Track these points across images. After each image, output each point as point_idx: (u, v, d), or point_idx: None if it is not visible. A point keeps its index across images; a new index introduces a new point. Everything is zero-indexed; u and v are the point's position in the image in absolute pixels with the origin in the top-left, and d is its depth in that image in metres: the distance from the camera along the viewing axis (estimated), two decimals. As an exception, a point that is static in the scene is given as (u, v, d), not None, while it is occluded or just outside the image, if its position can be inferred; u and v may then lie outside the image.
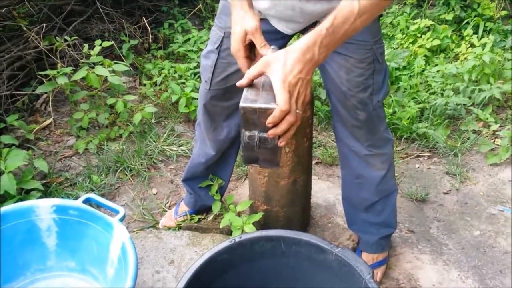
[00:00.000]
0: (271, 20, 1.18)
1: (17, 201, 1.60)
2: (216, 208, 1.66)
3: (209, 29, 3.24)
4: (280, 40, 1.23)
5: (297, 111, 0.81)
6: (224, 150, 1.53)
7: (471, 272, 1.54)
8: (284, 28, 1.19)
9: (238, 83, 0.83)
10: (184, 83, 2.54)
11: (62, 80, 2.11)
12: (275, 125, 0.80)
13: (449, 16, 3.20)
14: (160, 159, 2.11)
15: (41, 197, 1.74)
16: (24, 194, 1.72)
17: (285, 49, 0.80)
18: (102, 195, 1.88)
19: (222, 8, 1.24)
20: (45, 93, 2.35)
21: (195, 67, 2.71)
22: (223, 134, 1.46)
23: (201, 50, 2.90)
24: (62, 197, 1.81)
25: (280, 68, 0.78)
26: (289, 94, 0.79)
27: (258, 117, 0.81)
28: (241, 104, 0.81)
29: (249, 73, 0.82)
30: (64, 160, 2.10)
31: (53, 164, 2.03)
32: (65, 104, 2.48)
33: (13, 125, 2.11)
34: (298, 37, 0.93)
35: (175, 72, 2.67)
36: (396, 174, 2.02)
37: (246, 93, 0.84)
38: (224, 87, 1.32)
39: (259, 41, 0.90)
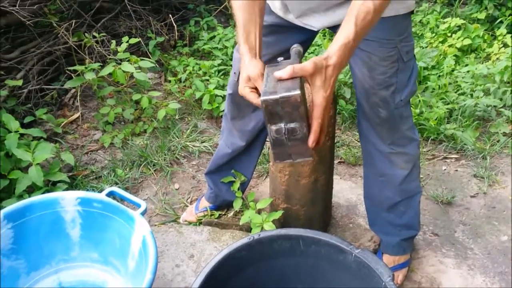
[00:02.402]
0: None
1: (44, 192, 1.64)
2: (237, 205, 1.66)
3: (234, 26, 3.25)
4: (304, 34, 1.22)
5: None
6: (251, 141, 1.53)
7: (497, 278, 1.49)
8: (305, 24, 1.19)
9: (278, 75, 0.83)
10: (208, 80, 2.56)
11: (89, 76, 2.16)
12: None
13: (482, 15, 3.10)
14: (182, 155, 2.13)
15: (67, 189, 1.78)
16: (51, 185, 1.77)
17: (326, 60, 0.84)
18: (126, 189, 1.91)
19: None
20: (74, 88, 2.40)
21: (219, 65, 2.72)
22: (250, 125, 1.48)
23: (226, 47, 2.91)
24: (88, 190, 1.85)
25: (322, 83, 0.84)
26: (326, 107, 0.85)
27: (282, 107, 0.80)
28: (262, 98, 0.80)
29: (295, 72, 0.82)
30: (90, 154, 2.15)
31: (79, 157, 2.08)
32: (93, 99, 2.54)
33: (42, 119, 2.17)
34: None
35: (200, 69, 2.69)
36: (421, 176, 1.98)
37: (264, 88, 0.84)
38: None
39: (259, 85, 0.95)
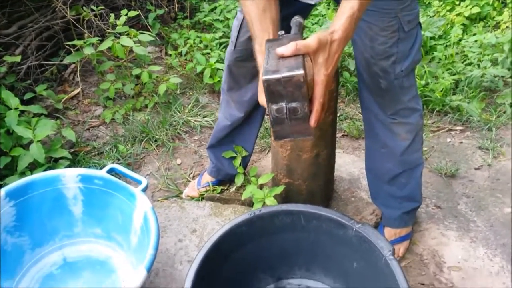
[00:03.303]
0: None
1: (46, 169, 1.64)
2: (239, 180, 1.66)
3: (236, -3, 3.17)
4: (301, 4, 1.18)
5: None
6: (249, 112, 1.52)
7: (499, 250, 1.49)
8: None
9: (280, 52, 0.80)
10: (209, 53, 2.51)
11: (88, 51, 2.12)
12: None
13: (492, -19, 2.99)
14: (184, 130, 2.12)
15: (69, 165, 1.79)
16: (53, 162, 1.77)
17: (331, 35, 0.82)
18: (128, 165, 1.91)
19: None
20: (73, 63, 2.37)
21: (220, 37, 2.67)
22: (247, 95, 1.46)
23: (227, 19, 2.85)
24: (90, 166, 1.86)
25: (325, 60, 0.82)
26: (327, 85, 0.83)
27: (284, 87, 0.78)
28: (264, 77, 0.78)
29: (298, 49, 0.79)
30: (91, 130, 2.14)
31: (81, 133, 2.07)
32: (93, 74, 2.51)
33: (42, 95, 2.15)
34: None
35: (201, 42, 2.64)
36: (425, 148, 1.96)
37: (265, 65, 0.81)
38: (248, 48, 1.30)
39: None
